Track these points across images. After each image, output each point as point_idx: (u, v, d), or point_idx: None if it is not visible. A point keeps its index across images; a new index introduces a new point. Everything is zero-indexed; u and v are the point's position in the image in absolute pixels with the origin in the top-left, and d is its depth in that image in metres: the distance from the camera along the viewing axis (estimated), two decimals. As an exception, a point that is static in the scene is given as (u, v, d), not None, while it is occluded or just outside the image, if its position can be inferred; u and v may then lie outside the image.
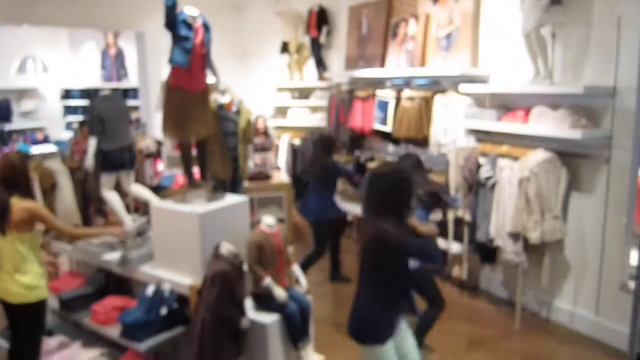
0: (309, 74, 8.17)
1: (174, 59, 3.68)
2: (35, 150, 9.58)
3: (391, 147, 6.55)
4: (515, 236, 4.53)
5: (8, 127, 10.16)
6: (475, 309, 5.22)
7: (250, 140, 4.89)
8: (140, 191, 4.56)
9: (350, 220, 7.27)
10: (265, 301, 3.78)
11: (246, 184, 6.78)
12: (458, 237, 5.31)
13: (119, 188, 4.66)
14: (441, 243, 5.19)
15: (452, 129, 5.33)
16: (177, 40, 3.67)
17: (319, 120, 7.82)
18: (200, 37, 3.76)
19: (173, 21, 3.62)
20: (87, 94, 10.67)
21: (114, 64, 10.74)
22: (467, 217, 5.08)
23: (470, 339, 4.63)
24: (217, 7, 8.55)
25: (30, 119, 10.61)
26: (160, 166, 7.10)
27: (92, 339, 4.10)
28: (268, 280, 3.71)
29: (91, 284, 4.43)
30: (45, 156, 6.69)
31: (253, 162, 6.64)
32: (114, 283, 4.40)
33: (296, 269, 4.07)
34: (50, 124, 10.79)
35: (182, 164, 4.08)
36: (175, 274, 3.87)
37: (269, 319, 3.73)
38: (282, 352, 3.81)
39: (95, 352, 3.92)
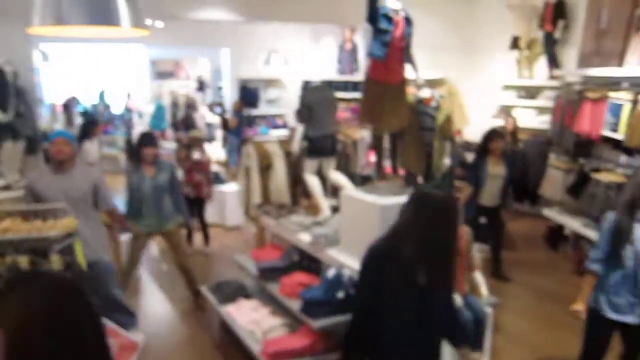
0: (539, 72, 7.58)
1: (372, 51, 3.76)
2: (274, 133, 10.72)
3: (623, 157, 5.71)
4: None
5: (255, 112, 11.52)
6: None
7: (447, 137, 4.74)
8: (338, 177, 4.78)
9: (566, 233, 6.59)
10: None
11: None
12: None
13: (320, 173, 4.97)
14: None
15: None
16: (377, 33, 3.74)
17: (543, 122, 7.21)
18: (400, 30, 3.77)
19: (374, 14, 3.70)
20: (322, 85, 11.48)
21: (349, 58, 11.33)
22: None
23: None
24: (447, 0, 8.43)
25: (273, 106, 11.85)
26: (373, 157, 7.33)
27: (279, 308, 4.47)
28: None
29: (286, 258, 4.81)
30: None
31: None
32: (305, 260, 4.71)
33: (478, 276, 3.85)
34: (289, 111, 11.91)
35: (374, 155, 4.16)
36: (356, 260, 3.97)
37: (440, 322, 3.60)
38: None
39: (278, 321, 4.26)
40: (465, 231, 3.75)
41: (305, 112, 4.58)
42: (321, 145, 4.64)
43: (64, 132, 4.37)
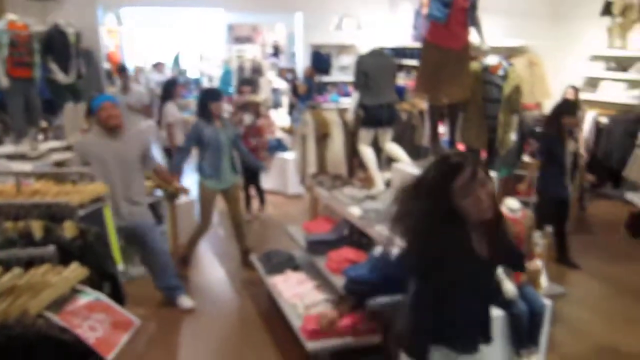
0: (634, 42, 6.81)
1: (431, 13, 3.42)
2: (344, 101, 10.45)
3: None
4: None
5: (326, 79, 11.28)
6: None
7: (515, 110, 4.27)
8: (394, 149, 4.51)
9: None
10: (492, 292, 3.36)
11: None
12: None
13: (377, 144, 4.71)
14: None
15: None
16: (437, -9, 3.39)
17: (634, 97, 6.51)
18: (464, -11, 3.40)
19: (435, -30, 3.35)
20: (396, 52, 11.01)
21: (425, 24, 10.79)
22: None
23: None
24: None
25: (345, 73, 11.52)
26: (442, 129, 6.95)
27: (326, 283, 4.31)
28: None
29: (337, 231, 4.63)
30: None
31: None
32: (355, 235, 4.51)
33: (537, 265, 3.49)
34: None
35: (429, 127, 3.85)
36: (405, 239, 3.72)
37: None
38: (501, 355, 3.35)
39: (322, 296, 4.10)
40: (526, 216, 3.40)
41: (361, 78, 4.31)
42: (376, 114, 4.36)
43: (109, 97, 4.36)
